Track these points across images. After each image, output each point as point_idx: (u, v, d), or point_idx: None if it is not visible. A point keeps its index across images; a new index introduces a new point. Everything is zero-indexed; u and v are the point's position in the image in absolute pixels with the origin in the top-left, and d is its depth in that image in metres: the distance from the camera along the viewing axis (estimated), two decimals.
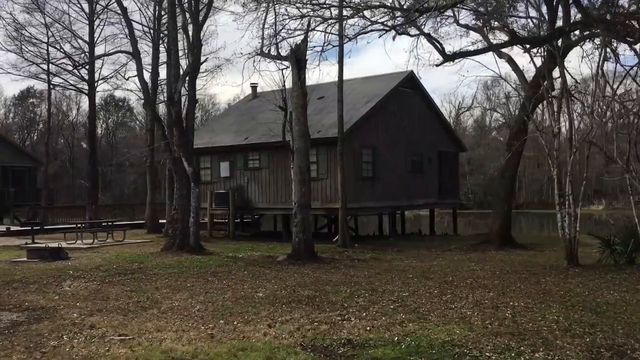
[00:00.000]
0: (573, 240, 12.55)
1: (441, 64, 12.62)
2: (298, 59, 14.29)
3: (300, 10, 13.19)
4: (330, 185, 21.17)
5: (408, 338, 7.09)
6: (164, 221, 29.75)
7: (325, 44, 13.48)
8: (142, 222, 28.98)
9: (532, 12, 17.70)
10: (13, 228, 27.32)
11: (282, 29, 13.96)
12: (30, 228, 24.42)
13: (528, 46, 15.78)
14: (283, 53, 14.83)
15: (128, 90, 60.27)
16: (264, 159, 23.35)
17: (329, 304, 9.07)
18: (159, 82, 25.70)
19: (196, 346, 6.84)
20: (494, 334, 7.17)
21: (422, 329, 7.51)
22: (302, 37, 14.41)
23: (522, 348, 6.59)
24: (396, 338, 7.11)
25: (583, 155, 12.63)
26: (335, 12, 15.21)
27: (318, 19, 13.30)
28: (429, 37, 12.73)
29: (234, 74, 68.21)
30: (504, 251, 17.13)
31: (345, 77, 20.44)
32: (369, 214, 25.48)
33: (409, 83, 24.80)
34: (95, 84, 28.94)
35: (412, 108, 25.04)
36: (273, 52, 14.75)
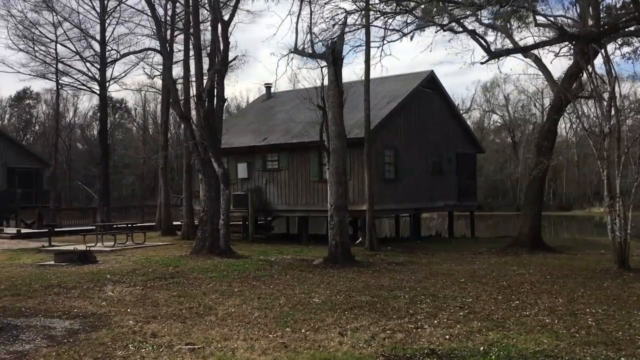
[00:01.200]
0: (624, 244, 12.21)
1: (486, 61, 12.27)
2: (334, 57, 13.90)
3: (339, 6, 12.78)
4: (354, 187, 20.75)
5: (494, 348, 6.72)
6: (178, 223, 29.39)
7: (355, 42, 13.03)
8: (152, 224, 28.49)
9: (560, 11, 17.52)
10: (24, 230, 26.82)
11: (316, 22, 13.54)
12: (47, 230, 23.99)
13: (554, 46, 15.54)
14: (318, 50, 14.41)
15: (132, 90, 59.27)
16: (283, 160, 22.93)
17: (393, 310, 8.68)
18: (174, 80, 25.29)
19: (273, 357, 6.46)
20: (586, 343, 6.81)
21: (504, 337, 7.14)
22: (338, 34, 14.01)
23: (622, 359, 6.24)
24: (482, 348, 6.74)
25: (635, 156, 12.27)
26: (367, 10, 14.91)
27: (355, 15, 12.89)
28: (473, 34, 12.37)
29: (245, 73, 67.56)
30: (538, 254, 16.78)
31: (362, 77, 20.03)
32: (390, 216, 25.11)
33: (429, 83, 24.48)
34: (107, 83, 28.50)
35: (432, 109, 24.69)
36: (308, 49, 14.35)
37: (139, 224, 26.16)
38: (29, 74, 29.60)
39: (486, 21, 16.43)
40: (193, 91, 18.01)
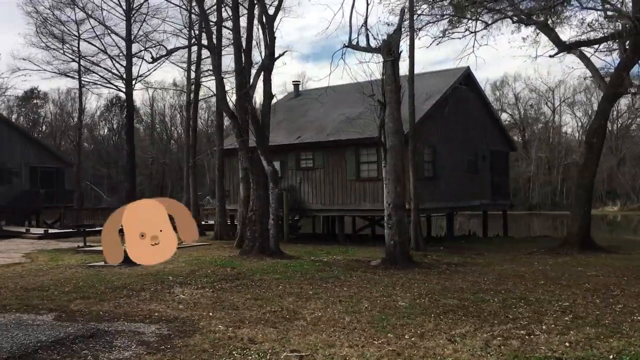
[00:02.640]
0: None
1: (556, 54, 11.79)
2: (391, 51, 13.44)
3: None
4: None
5: (624, 357, 6.27)
6: (209, 223, 29.02)
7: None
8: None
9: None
10: (51, 231, 26.46)
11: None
12: (74, 230, 23.65)
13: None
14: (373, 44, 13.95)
15: (155, 88, 58.69)
16: (318, 159, 22.48)
17: (490, 315, 8.22)
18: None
19: None
20: None
21: (629, 345, 6.68)
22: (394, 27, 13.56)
23: None
24: (611, 356, 6.29)
25: None
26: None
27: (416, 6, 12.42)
28: (546, 26, 11.91)
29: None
30: (591, 255, 16.30)
31: (402, 73, 19.58)
32: (428, 215, 24.61)
33: (465, 80, 24.01)
34: (133, 81, 28.11)
35: (468, 105, 24.23)
36: (362, 43, 13.89)
37: None
38: (53, 72, 29.08)
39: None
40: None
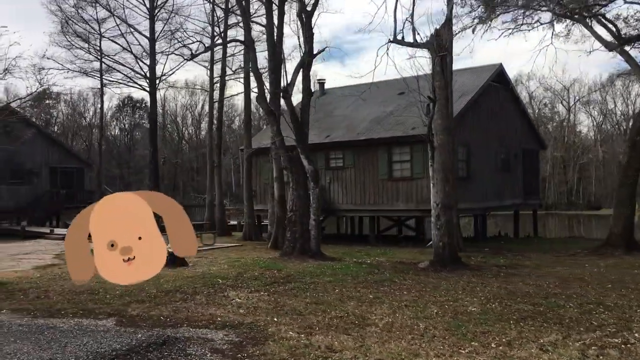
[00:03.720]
0: None
1: (612, 49, 11.28)
2: (439, 46, 12.99)
3: None
4: (427, 185, 19.83)
5: None
6: (231, 223, 28.70)
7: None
8: (201, 222, 27.73)
9: None
10: None
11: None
12: None
13: None
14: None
15: (177, 87, 58.32)
16: (348, 158, 22.05)
17: (572, 321, 7.77)
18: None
19: None
20: None
21: None
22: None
23: None
24: None
25: None
26: None
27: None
28: (604, 18, 11.45)
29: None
30: (638, 256, 15.79)
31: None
32: (462, 215, 24.11)
33: (498, 77, 23.50)
34: (157, 81, 27.81)
35: (501, 103, 23.72)
36: (409, 39, 13.46)
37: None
38: (76, 71, 28.81)
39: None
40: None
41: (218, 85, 26.72)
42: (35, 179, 33.10)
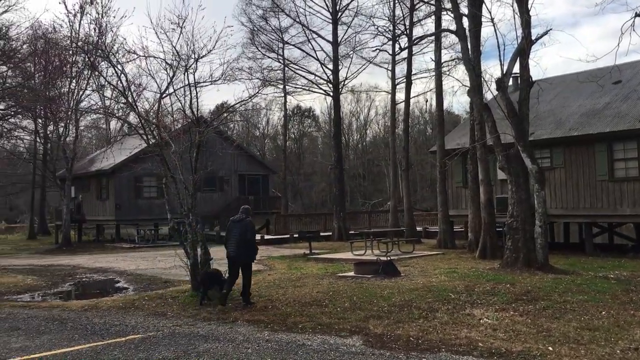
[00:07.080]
0: None
1: None
2: None
3: None
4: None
5: None
6: (419, 229, 27.45)
7: None
8: (384, 229, 26.80)
9: None
10: (267, 237, 26.84)
11: None
12: (289, 236, 23.53)
13: None
14: None
15: (359, 91, 58.87)
16: (557, 157, 19.61)
17: None
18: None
19: None
20: None
21: None
22: None
23: None
24: None
25: None
26: None
27: None
28: None
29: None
30: None
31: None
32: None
33: None
34: (340, 85, 27.60)
35: None
36: None
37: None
38: (261, 79, 29.64)
39: None
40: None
41: (400, 85, 25.76)
42: (226, 186, 34.87)
